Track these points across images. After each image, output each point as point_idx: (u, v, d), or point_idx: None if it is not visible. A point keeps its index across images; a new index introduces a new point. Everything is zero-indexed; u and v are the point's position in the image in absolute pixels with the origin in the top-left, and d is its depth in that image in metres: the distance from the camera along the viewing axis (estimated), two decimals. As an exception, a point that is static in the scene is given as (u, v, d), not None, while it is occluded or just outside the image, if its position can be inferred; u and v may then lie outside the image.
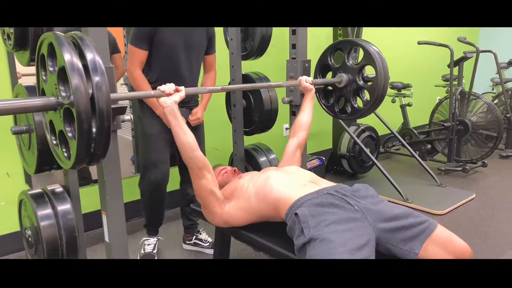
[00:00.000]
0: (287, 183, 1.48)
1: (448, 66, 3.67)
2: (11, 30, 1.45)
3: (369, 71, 1.95)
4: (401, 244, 1.28)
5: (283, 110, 2.39)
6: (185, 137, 1.42)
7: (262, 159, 2.45)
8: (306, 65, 2.06)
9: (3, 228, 2.26)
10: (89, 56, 0.98)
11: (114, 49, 2.47)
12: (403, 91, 4.00)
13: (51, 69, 1.05)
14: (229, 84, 2.35)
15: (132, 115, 1.37)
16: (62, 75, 0.99)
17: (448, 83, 3.84)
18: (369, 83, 1.95)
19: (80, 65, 0.96)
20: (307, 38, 2.07)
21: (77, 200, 1.65)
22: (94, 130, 1.01)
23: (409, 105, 4.05)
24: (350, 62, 1.95)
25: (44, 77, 1.10)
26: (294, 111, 2.13)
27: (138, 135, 2.11)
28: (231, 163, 2.56)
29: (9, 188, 2.21)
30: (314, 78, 2.10)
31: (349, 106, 2.02)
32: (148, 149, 2.01)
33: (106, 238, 1.40)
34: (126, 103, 2.87)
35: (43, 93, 1.15)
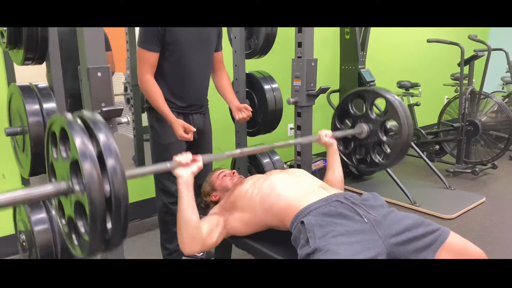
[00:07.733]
0: (294, 189, 1.42)
1: (459, 64, 3.57)
2: (5, 28, 1.39)
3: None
4: (414, 255, 1.23)
5: (288, 110, 2.32)
6: (193, 213, 1.32)
7: (266, 160, 2.38)
8: (312, 64, 1.99)
9: (-1, 230, 2.21)
10: (103, 142, 0.88)
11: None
12: (411, 90, 3.90)
13: (63, 154, 0.96)
14: (232, 83, 2.28)
15: (129, 117, 1.31)
16: (76, 168, 0.90)
17: (457, 82, 3.74)
18: (392, 135, 1.79)
19: (96, 159, 0.86)
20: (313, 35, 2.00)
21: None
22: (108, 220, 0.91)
23: (417, 104, 3.94)
24: (374, 115, 1.80)
25: (54, 155, 1.01)
26: (299, 112, 2.06)
27: (152, 146, 1.91)
28: (233, 165, 2.50)
29: (5, 190, 2.15)
30: (332, 125, 1.95)
31: (369, 157, 1.87)
32: (167, 160, 1.86)
33: (102, 245, 1.35)
34: (123, 105, 2.81)
35: (51, 169, 1.04)
